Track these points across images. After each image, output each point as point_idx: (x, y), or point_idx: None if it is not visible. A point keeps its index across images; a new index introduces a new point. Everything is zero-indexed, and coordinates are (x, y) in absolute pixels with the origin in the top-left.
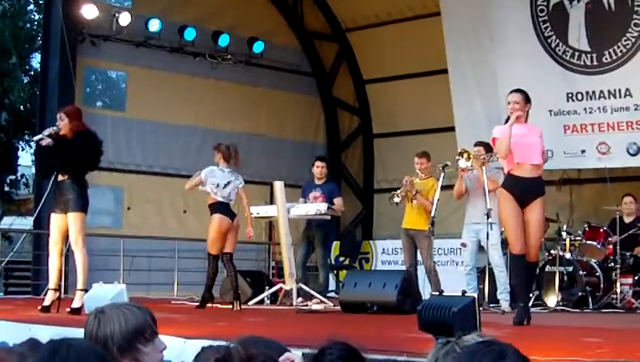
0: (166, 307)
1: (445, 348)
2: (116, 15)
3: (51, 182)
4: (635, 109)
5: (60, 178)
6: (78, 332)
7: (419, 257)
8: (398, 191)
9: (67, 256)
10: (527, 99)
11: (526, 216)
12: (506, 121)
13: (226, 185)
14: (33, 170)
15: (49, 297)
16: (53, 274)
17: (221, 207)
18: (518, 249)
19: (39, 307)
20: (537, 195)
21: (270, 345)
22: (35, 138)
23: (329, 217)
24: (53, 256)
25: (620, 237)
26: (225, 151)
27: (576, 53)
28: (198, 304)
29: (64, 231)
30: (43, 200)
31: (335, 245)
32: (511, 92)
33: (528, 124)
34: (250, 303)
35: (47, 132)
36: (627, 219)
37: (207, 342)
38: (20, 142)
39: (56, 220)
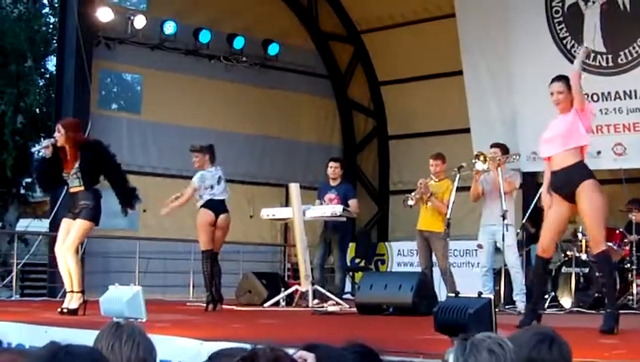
0: (182, 309)
1: (466, 343)
2: (131, 18)
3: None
4: None
5: (74, 190)
6: (93, 335)
7: (434, 259)
8: (412, 194)
9: (83, 258)
10: (570, 86)
11: (578, 210)
12: None
13: (219, 182)
14: None
15: (73, 300)
16: (66, 277)
17: (208, 204)
18: (539, 250)
19: (65, 310)
20: (577, 183)
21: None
22: (34, 150)
23: (345, 219)
24: (60, 259)
25: (637, 238)
26: (211, 154)
27: (592, 55)
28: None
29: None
30: (59, 203)
31: (351, 247)
32: (552, 81)
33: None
34: (265, 305)
35: (45, 143)
36: None
37: (223, 344)
38: (36, 145)
39: (65, 224)
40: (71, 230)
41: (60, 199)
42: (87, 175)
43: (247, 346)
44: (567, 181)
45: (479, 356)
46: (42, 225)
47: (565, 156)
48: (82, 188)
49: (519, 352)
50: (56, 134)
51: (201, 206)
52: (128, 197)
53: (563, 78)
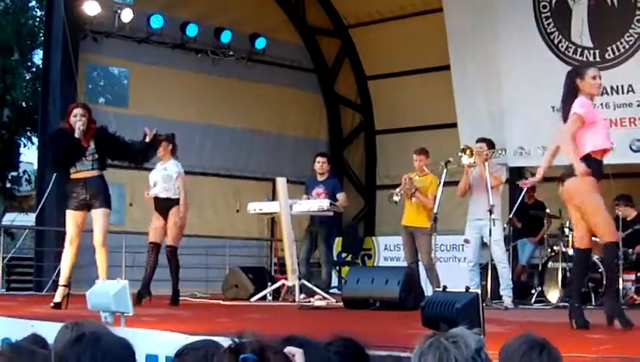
0: (168, 303)
1: (429, 340)
2: (118, 11)
3: (54, 178)
4: (638, 105)
5: (86, 174)
6: None
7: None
8: (397, 190)
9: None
10: None
11: None
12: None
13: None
14: (35, 166)
15: (60, 293)
16: (66, 270)
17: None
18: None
19: (51, 304)
20: None
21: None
22: (78, 126)
23: (332, 213)
24: (69, 253)
25: (624, 234)
26: (174, 144)
27: (579, 50)
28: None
29: (82, 228)
30: (45, 197)
31: (337, 241)
32: (594, 67)
33: None
34: (252, 299)
35: (82, 125)
36: (629, 217)
37: (209, 338)
38: (22, 139)
39: (74, 217)
40: (96, 222)
41: (47, 193)
42: (102, 158)
43: (216, 339)
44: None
45: (429, 356)
46: (28, 219)
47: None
48: (96, 172)
49: (510, 360)
50: (80, 117)
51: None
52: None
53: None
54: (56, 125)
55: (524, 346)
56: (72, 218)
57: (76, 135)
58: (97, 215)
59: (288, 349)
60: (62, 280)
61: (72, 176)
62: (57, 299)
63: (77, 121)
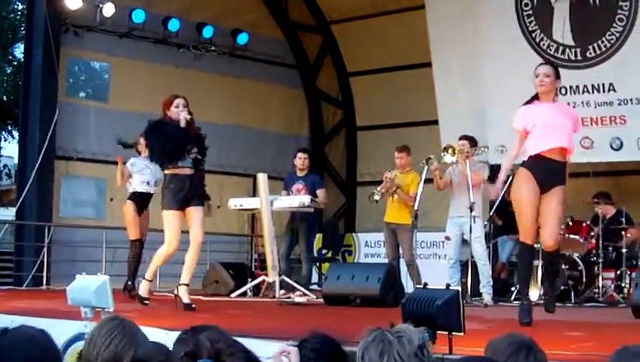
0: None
1: (373, 334)
2: (100, 6)
3: (34, 172)
4: (619, 104)
5: (187, 172)
6: (58, 324)
7: (401, 250)
8: (378, 189)
9: (49, 247)
10: (557, 75)
11: (543, 202)
12: (535, 97)
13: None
14: (16, 160)
15: (146, 288)
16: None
17: (135, 196)
18: (528, 238)
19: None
20: (559, 182)
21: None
22: (184, 116)
23: (312, 209)
24: (167, 254)
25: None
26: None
27: (561, 48)
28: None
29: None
30: (25, 191)
31: (318, 238)
32: (540, 64)
33: (558, 103)
34: (232, 295)
35: (187, 115)
36: (608, 214)
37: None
38: (3, 133)
39: (179, 217)
40: (196, 219)
41: (27, 187)
42: (200, 158)
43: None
44: (553, 174)
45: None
46: (9, 213)
47: (562, 150)
48: (193, 171)
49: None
50: (185, 109)
51: (131, 198)
52: None
53: (551, 65)
54: (37, 119)
55: (511, 348)
56: (177, 218)
57: (182, 125)
58: (197, 211)
59: (283, 347)
60: (149, 275)
61: (172, 172)
62: (144, 293)
63: (180, 111)
